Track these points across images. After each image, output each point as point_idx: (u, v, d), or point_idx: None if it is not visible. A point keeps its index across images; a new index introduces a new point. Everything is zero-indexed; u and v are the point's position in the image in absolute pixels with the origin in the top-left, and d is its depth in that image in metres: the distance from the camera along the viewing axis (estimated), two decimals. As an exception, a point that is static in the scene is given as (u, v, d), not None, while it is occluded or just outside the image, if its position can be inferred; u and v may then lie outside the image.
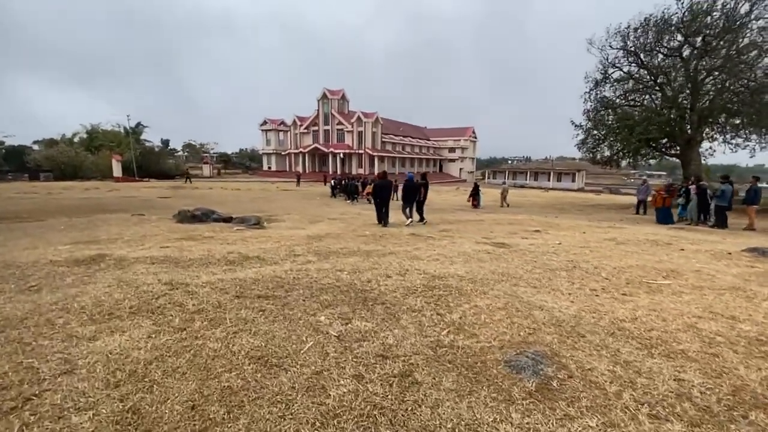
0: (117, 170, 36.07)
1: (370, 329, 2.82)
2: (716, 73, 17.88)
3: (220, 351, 2.42)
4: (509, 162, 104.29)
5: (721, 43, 17.28)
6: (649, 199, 14.47)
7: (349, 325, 2.90)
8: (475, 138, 74.37)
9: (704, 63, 18.13)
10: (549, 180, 61.76)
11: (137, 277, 3.95)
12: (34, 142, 58.28)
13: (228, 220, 9.44)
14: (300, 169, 54.01)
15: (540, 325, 2.99)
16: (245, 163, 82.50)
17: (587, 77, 21.94)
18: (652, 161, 20.76)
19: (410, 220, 9.98)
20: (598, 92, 20.25)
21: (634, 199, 30.15)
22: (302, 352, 2.46)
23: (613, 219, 13.49)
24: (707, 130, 18.07)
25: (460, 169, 70.25)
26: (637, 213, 14.99)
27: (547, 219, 12.11)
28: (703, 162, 19.73)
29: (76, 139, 51.43)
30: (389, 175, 10.64)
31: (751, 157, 18.55)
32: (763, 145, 17.25)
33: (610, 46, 19.69)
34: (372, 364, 2.33)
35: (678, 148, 18.56)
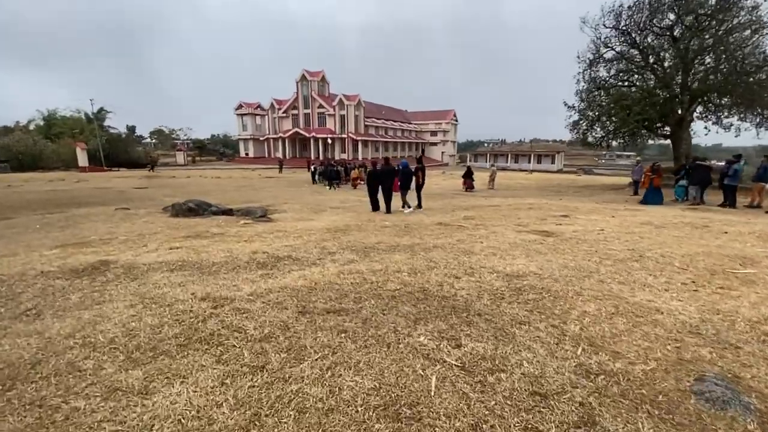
0: (82, 159, 33.41)
1: (492, 353, 2.28)
2: (706, 53, 17.98)
3: (328, 401, 1.80)
4: (485, 145, 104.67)
5: (713, 22, 17.30)
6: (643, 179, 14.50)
7: (463, 348, 2.34)
8: (456, 121, 74.05)
9: (695, 43, 18.17)
10: (529, 162, 62.52)
11: (162, 291, 3.22)
12: (-17, 131, 53.26)
13: (229, 212, 8.58)
14: (280, 155, 52.15)
15: (678, 335, 2.54)
16: (219, 149, 78.93)
17: (579, 57, 21.70)
18: (650, 141, 20.94)
19: (410, 207, 9.68)
20: (592, 72, 20.08)
21: (617, 180, 30.81)
22: (432, 393, 1.89)
23: (618, 200, 13.45)
24: (700, 109, 18.26)
25: (442, 152, 69.99)
26: (635, 194, 15.06)
27: (561, 202, 11.85)
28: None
29: (31, 127, 47.32)
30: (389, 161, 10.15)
31: (736, 137, 19.00)
32: (751, 124, 17.65)
33: (604, 25, 19.42)
34: (533, 408, 1.79)
35: (668, 128, 18.76)
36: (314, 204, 12.10)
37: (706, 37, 17.77)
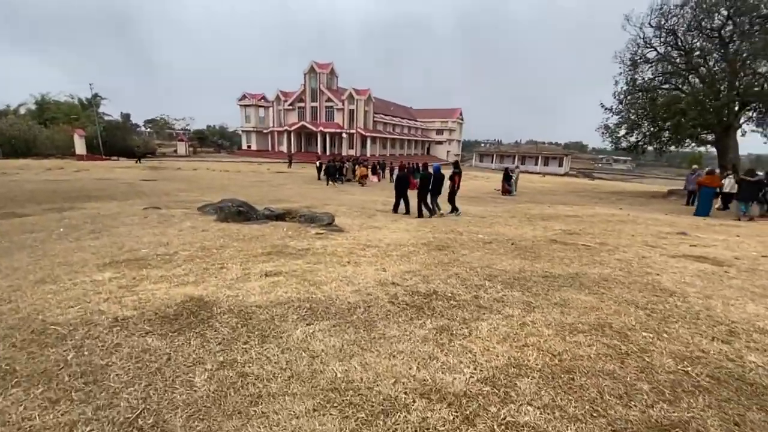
0: (80, 147, 31.59)
1: None
2: (758, 58, 17.08)
3: None
4: (482, 145, 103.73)
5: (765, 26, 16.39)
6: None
7: None
8: (462, 120, 73.02)
9: (746, 47, 17.27)
10: (536, 164, 61.81)
11: (337, 372, 2.02)
12: (-28, 113, 50.65)
13: (281, 217, 7.33)
14: (285, 149, 50.57)
15: None
16: (217, 141, 76.58)
17: (618, 57, 20.73)
18: (695, 148, 20.01)
19: (441, 211, 9.55)
20: (635, 74, 19.09)
21: (640, 186, 29.93)
22: None
23: (680, 211, 12.45)
24: (751, 114, 17.34)
25: (448, 151, 68.92)
26: (689, 204, 14.11)
27: (627, 212, 10.80)
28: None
29: (22, 111, 44.98)
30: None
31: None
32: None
33: (650, 24, 18.43)
34: None
35: (714, 135, 17.88)
36: (357, 206, 10.88)
37: (757, 41, 16.87)
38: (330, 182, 20.89)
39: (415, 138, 63.69)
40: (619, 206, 13.26)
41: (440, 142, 69.16)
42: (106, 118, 47.77)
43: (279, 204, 10.65)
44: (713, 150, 18.91)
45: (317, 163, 26.01)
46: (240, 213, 7.06)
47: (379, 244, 5.42)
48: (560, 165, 60.69)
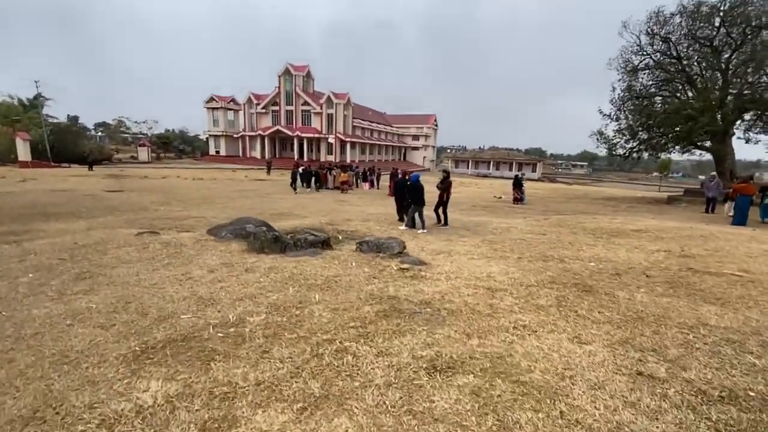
0: (24, 153, 27.50)
1: None
2: (748, 66, 17.56)
3: None
4: (448, 151, 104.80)
5: (759, 36, 16.86)
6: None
7: None
8: (437, 126, 73.22)
9: (737, 55, 17.73)
10: (510, 170, 62.82)
11: None
12: None
13: (326, 243, 5.75)
14: (258, 154, 47.78)
15: None
16: (179, 146, 71.02)
17: (610, 64, 20.81)
18: (692, 155, 20.24)
19: (423, 229, 8.47)
20: (632, 81, 19.13)
21: (626, 192, 30.53)
22: None
23: (710, 219, 12.08)
24: (747, 120, 17.69)
25: (424, 157, 68.72)
26: (708, 211, 13.91)
27: (660, 222, 10.14)
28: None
29: (-52, 111, 39.06)
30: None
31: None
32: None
33: (649, 31, 18.51)
34: None
35: (709, 142, 18.17)
36: (375, 219, 9.45)
37: (748, 50, 17.34)
38: (304, 187, 19.99)
39: (393, 144, 62.85)
40: (642, 214, 12.72)
41: (416, 148, 68.81)
42: (50, 120, 42.72)
43: (286, 221, 9.03)
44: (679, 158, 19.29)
45: (299, 169, 24.19)
46: (277, 240, 5.42)
47: (493, 283, 4.07)
48: (533, 170, 62.07)
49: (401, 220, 9.28)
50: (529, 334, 2.77)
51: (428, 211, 9.15)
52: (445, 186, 9.27)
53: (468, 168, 66.37)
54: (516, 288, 3.94)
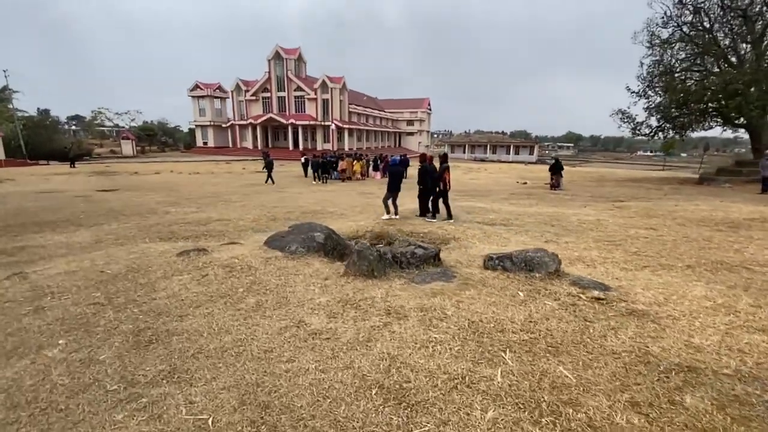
0: (-5, 150, 24.91)
1: None
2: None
3: None
4: (435, 136, 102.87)
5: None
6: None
7: None
8: (430, 110, 71.45)
9: (770, 24, 16.71)
10: (508, 153, 61.94)
11: None
12: None
13: (438, 257, 4.38)
14: (249, 144, 45.41)
15: None
16: (160, 138, 66.89)
17: (635, 38, 19.64)
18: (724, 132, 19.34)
19: (396, 215, 7.92)
20: (663, 54, 17.99)
21: (643, 174, 29.59)
22: None
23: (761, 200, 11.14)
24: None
25: (419, 142, 67.12)
26: (764, 191, 13.05)
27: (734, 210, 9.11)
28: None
29: None
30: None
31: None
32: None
33: (680, 1, 17.29)
34: None
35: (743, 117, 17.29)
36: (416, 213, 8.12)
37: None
38: (316, 180, 19.30)
39: (388, 129, 60.97)
40: (704, 197, 11.72)
41: (411, 133, 67.11)
42: (21, 114, 39.32)
43: (330, 221, 7.60)
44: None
45: (302, 159, 22.95)
46: (381, 257, 4.03)
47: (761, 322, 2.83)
48: (531, 153, 61.31)
49: (423, 214, 8.14)
50: None
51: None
52: (442, 170, 7.89)
53: (464, 153, 65.12)
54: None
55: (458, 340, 2.45)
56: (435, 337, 2.50)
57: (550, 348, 2.38)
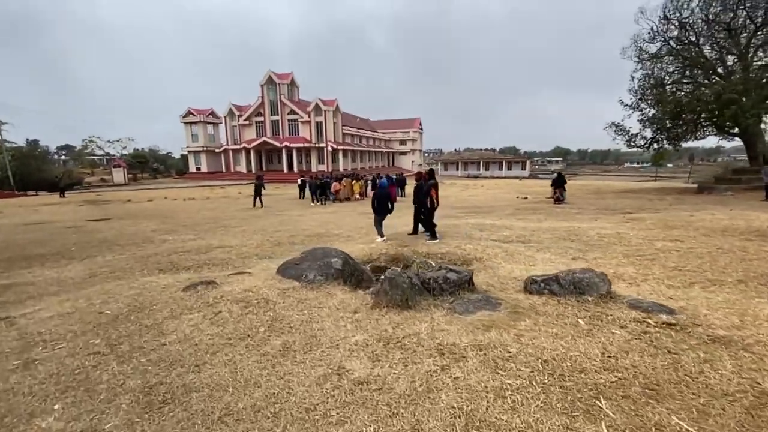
0: (-18, 182, 24.23)
1: None
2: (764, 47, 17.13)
3: None
4: (426, 155, 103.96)
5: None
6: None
7: None
8: (422, 129, 72.42)
9: (757, 38, 17.28)
10: (501, 169, 62.56)
11: None
12: None
13: (471, 282, 4.02)
14: (243, 168, 45.18)
15: None
16: (152, 165, 66.26)
17: (623, 53, 20.16)
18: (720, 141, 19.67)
19: (383, 238, 7.58)
20: (653, 68, 18.43)
21: (638, 185, 29.89)
22: None
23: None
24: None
25: (412, 161, 67.61)
26: (767, 199, 13.03)
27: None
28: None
29: None
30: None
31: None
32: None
33: (666, 17, 17.86)
34: None
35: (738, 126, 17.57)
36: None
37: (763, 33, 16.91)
38: (315, 201, 19.32)
39: (381, 150, 61.41)
40: (712, 206, 11.62)
41: (404, 153, 67.67)
42: (9, 145, 38.72)
43: (340, 245, 7.19)
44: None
45: (299, 181, 23.03)
46: (413, 285, 3.66)
47: None
48: (523, 168, 62.00)
49: (415, 232, 8.00)
50: None
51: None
52: (428, 188, 7.56)
53: (458, 170, 65.59)
54: None
55: (538, 386, 2.06)
56: (509, 384, 2.11)
57: (647, 391, 2.01)
